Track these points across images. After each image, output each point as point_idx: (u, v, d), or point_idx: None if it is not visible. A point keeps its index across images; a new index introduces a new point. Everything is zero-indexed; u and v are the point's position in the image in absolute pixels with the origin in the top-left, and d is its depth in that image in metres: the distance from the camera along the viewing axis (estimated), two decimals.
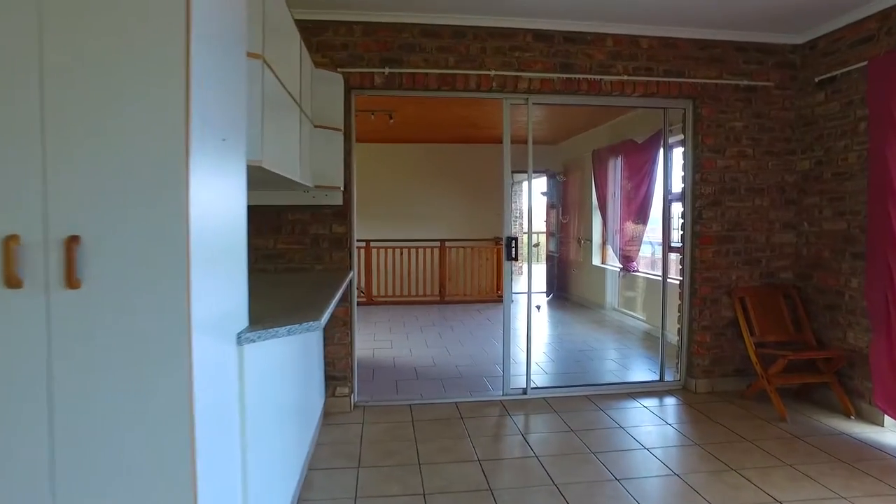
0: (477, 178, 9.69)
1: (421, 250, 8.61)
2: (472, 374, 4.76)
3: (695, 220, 4.06)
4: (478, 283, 8.77)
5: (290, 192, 3.59)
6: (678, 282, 4.36)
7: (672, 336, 4.44)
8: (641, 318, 6.60)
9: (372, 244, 8.47)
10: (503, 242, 3.86)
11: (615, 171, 7.43)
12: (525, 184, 14.24)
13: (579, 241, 8.37)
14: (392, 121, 7.00)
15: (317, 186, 3.34)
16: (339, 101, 3.51)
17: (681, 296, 4.23)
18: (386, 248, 8.52)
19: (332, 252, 3.72)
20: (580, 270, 8.58)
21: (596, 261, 8.11)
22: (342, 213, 3.72)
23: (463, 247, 8.66)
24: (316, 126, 3.35)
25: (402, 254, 8.56)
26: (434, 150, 9.58)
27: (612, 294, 7.60)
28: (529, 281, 4.44)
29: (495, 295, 8.88)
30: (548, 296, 8.92)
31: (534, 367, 4.43)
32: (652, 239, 6.83)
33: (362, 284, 8.53)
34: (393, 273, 8.64)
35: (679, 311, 4.27)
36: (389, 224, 9.55)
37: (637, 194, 6.47)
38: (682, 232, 4.29)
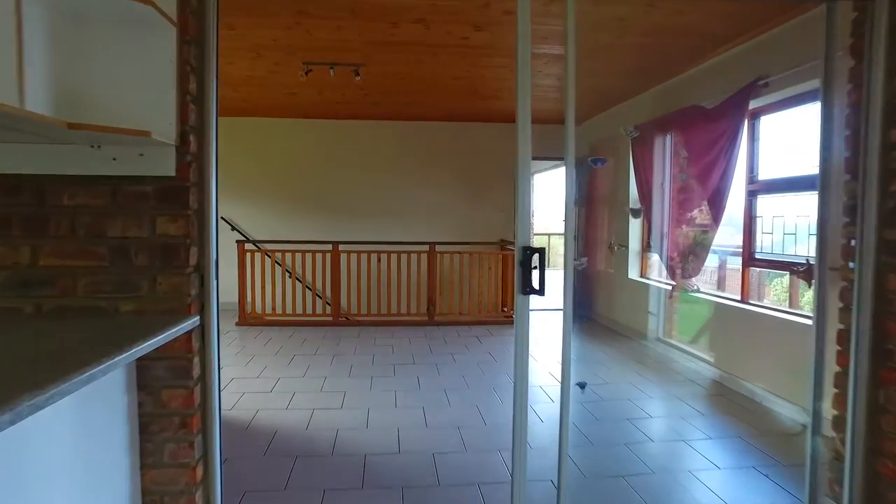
0: (477, 167, 7.75)
1: (404, 256, 6.67)
2: (460, 474, 2.83)
3: (885, 217, 2.09)
4: (477, 300, 6.84)
5: (55, 149, 1.68)
6: (810, 322, 2.40)
7: (803, 417, 2.48)
8: (707, 359, 4.64)
9: (341, 247, 6.54)
10: (517, 258, 1.92)
11: (665, 152, 5.48)
12: (538, 176, 12.23)
13: (612, 248, 6.41)
14: (359, 79, 5.05)
15: (103, 133, 1.43)
16: None
17: (844, 358, 2.26)
18: (359, 252, 6.59)
19: (156, 275, 1.79)
20: (611, 285, 6.62)
21: (633, 273, 6.15)
22: (177, 196, 1.79)
23: (459, 252, 6.72)
24: None
25: (379, 260, 6.63)
26: (422, 129, 7.64)
27: (657, 319, 5.64)
28: (568, 299, 2.50)
29: (500, 314, 6.94)
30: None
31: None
32: (720, 245, 4.87)
33: (328, 297, 6.60)
34: (368, 285, 6.71)
35: (836, 386, 2.30)
36: (363, 222, 7.62)
37: (705, 182, 4.51)
38: (818, 240, 2.32)
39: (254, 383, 4.28)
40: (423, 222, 7.70)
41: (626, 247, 6.17)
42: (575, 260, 4.63)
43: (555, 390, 4.17)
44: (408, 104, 6.56)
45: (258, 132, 7.42)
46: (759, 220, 4.23)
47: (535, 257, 1.92)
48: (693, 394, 4.14)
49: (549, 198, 16.83)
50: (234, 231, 7.35)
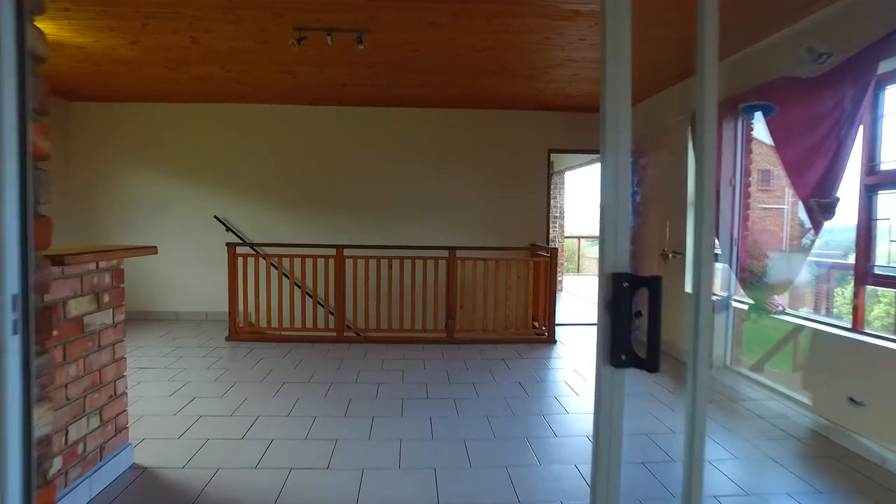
0: (504, 161, 6.81)
1: (419, 263, 5.76)
2: None
3: None
4: (503, 314, 5.89)
5: None
6: None
7: None
8: (801, 400, 3.62)
9: (346, 252, 5.65)
10: (602, 294, 1.00)
11: (736, 138, 4.47)
12: (569, 174, 11.21)
13: (665, 256, 5.41)
14: (362, 48, 4.15)
15: None
16: None
17: None
18: (367, 257, 5.70)
19: None
20: (664, 300, 5.60)
21: (692, 286, 5.13)
22: None
23: (483, 259, 5.78)
24: None
25: (390, 268, 5.73)
26: (440, 118, 6.72)
27: (724, 344, 4.63)
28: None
29: (530, 331, 5.98)
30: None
31: None
32: (821, 253, 3.86)
33: (331, 309, 5.73)
34: (377, 296, 5.81)
35: None
36: (371, 224, 6.73)
37: (800, 175, 3.50)
38: None
39: (223, 425, 3.40)
40: (441, 224, 6.78)
41: (683, 254, 5.16)
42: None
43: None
44: (422, 86, 5.64)
45: (256, 121, 6.59)
46: (880, 224, 3.20)
47: (637, 298, 1.00)
48: (791, 452, 3.13)
49: (581, 198, 15.75)
50: (230, 232, 6.52)
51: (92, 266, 2.51)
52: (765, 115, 3.85)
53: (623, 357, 0.99)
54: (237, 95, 6.15)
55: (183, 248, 6.58)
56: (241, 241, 6.31)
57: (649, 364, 0.97)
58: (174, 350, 5.18)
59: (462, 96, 6.13)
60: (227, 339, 5.60)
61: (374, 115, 6.66)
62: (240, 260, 5.58)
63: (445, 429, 3.42)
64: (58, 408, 2.29)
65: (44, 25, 4.16)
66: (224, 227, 6.51)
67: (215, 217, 6.55)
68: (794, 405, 3.69)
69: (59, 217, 6.27)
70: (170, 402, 3.76)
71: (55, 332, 2.27)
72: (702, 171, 1.06)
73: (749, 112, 4.12)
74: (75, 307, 2.40)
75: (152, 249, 2.88)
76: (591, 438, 3.32)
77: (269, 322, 5.75)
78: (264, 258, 5.73)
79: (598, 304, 1.02)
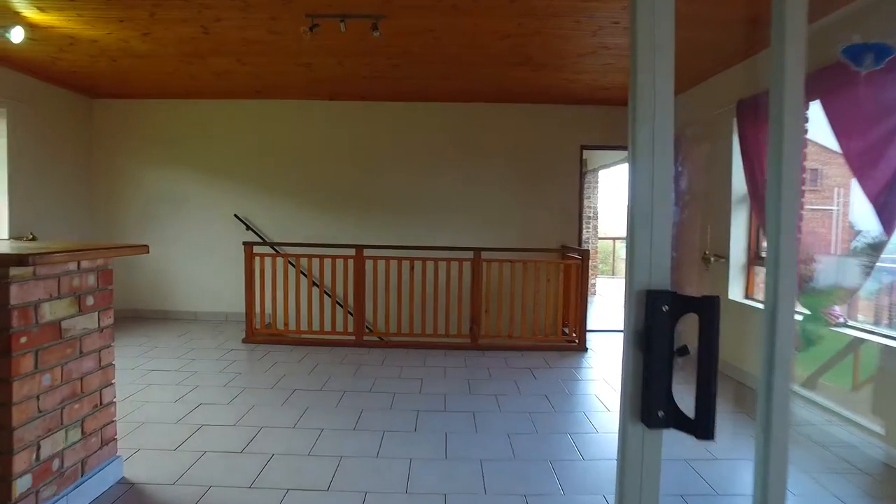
0: (531, 158, 6.49)
1: (442, 264, 5.48)
2: None
3: None
4: (531, 319, 5.55)
5: None
6: None
7: None
8: (874, 427, 3.18)
9: (366, 252, 5.41)
10: (630, 324, 0.69)
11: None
12: (603, 172, 10.74)
13: (706, 259, 4.98)
14: (378, 34, 3.89)
15: None
16: None
17: None
18: (388, 258, 5.44)
19: None
20: None
21: (735, 293, 4.71)
22: None
23: (509, 260, 5.45)
24: None
25: (412, 269, 5.46)
26: (464, 112, 6.43)
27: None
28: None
29: (560, 338, 5.63)
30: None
31: None
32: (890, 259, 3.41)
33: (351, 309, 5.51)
34: (398, 298, 5.56)
35: None
36: (393, 223, 6.48)
37: (867, 170, 3.07)
38: None
39: (225, 436, 3.19)
40: (465, 224, 6.48)
41: (727, 258, 4.73)
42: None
43: None
44: (445, 78, 5.35)
45: (275, 118, 6.42)
46: None
47: (680, 327, 0.69)
48: (860, 490, 2.72)
49: (615, 197, 15.25)
50: (250, 231, 6.37)
51: (72, 266, 2.31)
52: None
53: (660, 413, 0.68)
54: (255, 91, 5.99)
55: (203, 247, 6.47)
56: (260, 241, 6.15)
57: (699, 427, 0.66)
58: (188, 352, 5.03)
59: (487, 90, 5.82)
60: (244, 340, 5.43)
61: (395, 110, 6.41)
62: (257, 259, 5.40)
63: (461, 447, 3.12)
64: (25, 422, 2.09)
65: (51, 17, 4.07)
66: (244, 226, 6.36)
67: (235, 216, 6.41)
68: (861, 432, 3.25)
69: (81, 214, 6.26)
70: (173, 409, 3.57)
71: (23, 339, 2.06)
72: (781, 159, 0.74)
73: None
74: (50, 311, 2.20)
75: (143, 248, 2.67)
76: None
77: (286, 324, 5.56)
78: (282, 258, 5.54)
79: (625, 334, 0.71)
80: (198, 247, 6.46)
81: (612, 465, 2.82)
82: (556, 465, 2.90)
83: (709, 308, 0.67)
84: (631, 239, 0.70)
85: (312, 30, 3.83)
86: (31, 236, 5.28)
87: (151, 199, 6.48)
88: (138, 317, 6.49)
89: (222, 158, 6.45)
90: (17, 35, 4.01)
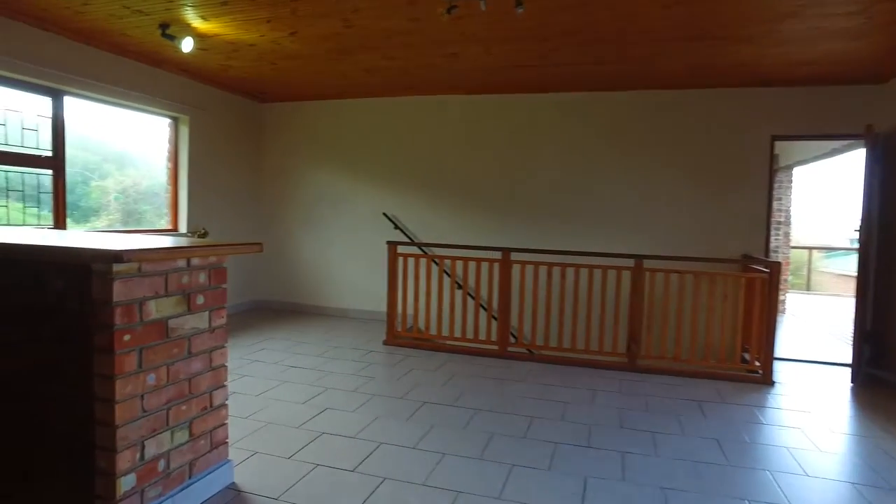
0: (707, 153, 5.52)
1: (598, 272, 4.82)
2: None
3: None
4: (703, 341, 4.64)
5: None
6: None
7: None
8: None
9: (513, 256, 4.97)
10: None
11: None
12: (799, 169, 8.94)
13: None
14: (521, 10, 3.43)
15: None
16: None
17: None
18: (537, 263, 4.94)
19: None
20: None
21: None
22: None
23: (677, 271, 4.61)
24: None
25: (563, 276, 4.89)
26: (624, 102, 5.66)
27: None
28: None
29: (738, 365, 4.64)
30: (861, 373, 4.29)
31: None
32: None
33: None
34: (547, 308, 5.03)
35: None
36: (544, 226, 5.95)
37: None
38: None
39: (341, 448, 2.98)
40: (625, 229, 5.72)
41: None
42: None
43: None
44: (599, 62, 4.69)
45: (424, 114, 6.29)
46: None
47: None
48: None
49: (814, 199, 12.99)
50: (397, 230, 6.32)
51: (181, 263, 2.23)
52: None
53: None
54: (406, 87, 5.90)
55: (353, 245, 6.60)
56: (407, 240, 6.05)
57: None
58: (329, 349, 5.06)
59: (649, 74, 5.02)
60: (385, 342, 5.34)
61: (544, 101, 5.88)
62: (400, 259, 5.27)
63: (602, 500, 2.53)
64: (129, 421, 2.02)
65: (212, 24, 4.29)
66: (392, 225, 6.33)
67: (384, 214, 6.41)
68: None
69: (249, 211, 6.75)
70: (300, 411, 3.49)
71: (127, 337, 2.00)
72: None
73: None
74: (156, 309, 2.12)
75: (256, 246, 2.55)
76: None
77: (427, 328, 5.36)
78: (426, 258, 5.34)
79: None
80: (349, 244, 6.62)
81: None
82: None
83: None
84: None
85: (450, 11, 3.50)
86: (202, 231, 5.77)
87: (313, 198, 6.77)
88: (298, 311, 6.82)
89: (373, 157, 6.51)
90: (186, 45, 4.31)
